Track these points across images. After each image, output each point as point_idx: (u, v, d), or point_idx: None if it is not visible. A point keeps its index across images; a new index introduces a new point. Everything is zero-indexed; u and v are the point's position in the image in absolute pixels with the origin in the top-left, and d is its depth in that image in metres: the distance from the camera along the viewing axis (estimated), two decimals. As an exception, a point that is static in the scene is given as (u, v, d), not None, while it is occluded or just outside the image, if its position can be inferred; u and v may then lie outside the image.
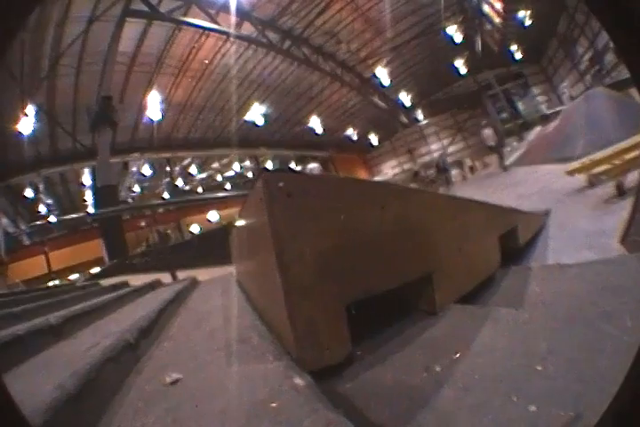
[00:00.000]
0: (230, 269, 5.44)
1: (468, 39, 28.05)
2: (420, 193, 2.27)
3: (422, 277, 1.70)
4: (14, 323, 2.61)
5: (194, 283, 5.44)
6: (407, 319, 1.72)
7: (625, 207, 3.59)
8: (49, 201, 29.34)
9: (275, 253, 1.28)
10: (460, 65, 31.31)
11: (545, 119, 24.99)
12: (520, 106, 34.02)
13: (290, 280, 1.28)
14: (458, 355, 1.25)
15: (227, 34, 20.67)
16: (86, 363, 1.40)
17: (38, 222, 20.93)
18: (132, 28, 19.19)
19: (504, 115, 32.23)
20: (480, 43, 29.14)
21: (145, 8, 17.92)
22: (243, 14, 20.25)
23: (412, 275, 1.68)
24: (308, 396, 1.06)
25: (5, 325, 2.52)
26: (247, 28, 21.45)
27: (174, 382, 1.52)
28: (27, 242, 26.33)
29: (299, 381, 1.16)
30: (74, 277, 24.33)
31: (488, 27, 28.66)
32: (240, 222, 2.60)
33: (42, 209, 28.79)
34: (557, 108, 24.27)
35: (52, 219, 27.00)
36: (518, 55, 31.75)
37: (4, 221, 23.95)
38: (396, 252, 1.65)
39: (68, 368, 1.34)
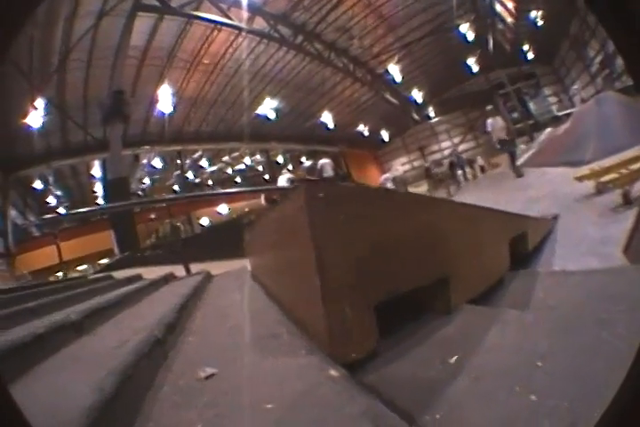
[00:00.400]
0: (241, 263, 5.46)
1: (480, 38, 27.96)
2: (441, 202, 2.45)
3: (441, 279, 1.84)
4: (30, 318, 2.63)
5: (208, 277, 5.39)
6: (423, 318, 1.85)
7: (630, 217, 3.71)
8: (58, 193, 29.55)
9: (314, 257, 1.41)
10: (473, 63, 31.21)
11: (556, 120, 24.93)
12: (531, 106, 33.90)
13: (327, 282, 1.40)
14: (469, 351, 1.40)
15: (239, 28, 20.70)
16: (120, 361, 1.40)
17: (48, 216, 21.11)
18: (143, 23, 19.18)
19: (515, 114, 32.10)
20: (492, 41, 29.05)
21: (156, 2, 18.04)
22: (254, 9, 20.29)
23: (432, 277, 1.82)
24: (344, 385, 1.17)
25: (22, 320, 2.53)
26: (259, 23, 21.46)
27: (209, 377, 1.52)
28: (35, 233, 26.46)
29: (334, 373, 1.26)
30: (82, 268, 24.55)
31: (500, 26, 28.57)
32: (266, 223, 2.73)
33: (51, 201, 29.00)
34: (568, 111, 24.21)
35: (62, 210, 27.19)
36: (530, 55, 31.63)
37: (13, 212, 24.09)
38: (419, 256, 1.79)
39: (100, 367, 1.33)
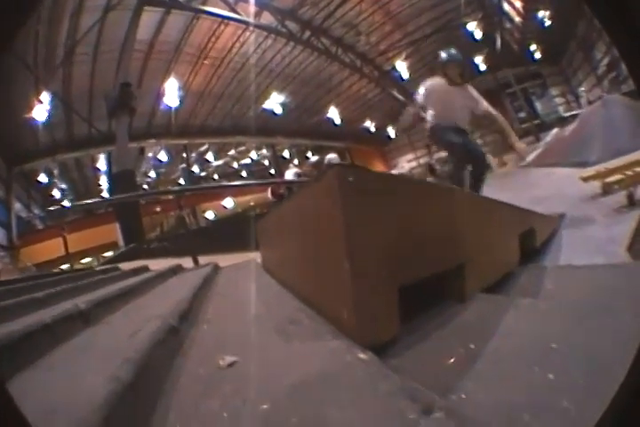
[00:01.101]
0: (250, 256, 5.48)
1: (487, 36, 28.01)
2: (461, 193, 2.48)
3: (457, 266, 1.90)
4: (38, 308, 2.58)
5: (216, 268, 5.32)
6: (439, 306, 1.90)
7: (633, 217, 3.80)
8: (63, 186, 29.68)
9: (345, 239, 1.44)
10: (480, 62, 31.23)
11: (562, 121, 24.96)
12: (538, 106, 33.95)
13: (356, 265, 1.43)
14: (488, 336, 1.48)
15: (246, 23, 20.77)
16: (135, 350, 1.36)
17: (52, 208, 21.10)
18: (149, 17, 19.36)
19: (522, 114, 32.16)
20: (500, 40, 29.10)
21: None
22: (262, 4, 20.42)
23: (450, 263, 1.89)
24: (375, 366, 1.20)
25: (29, 310, 2.49)
26: (267, 18, 21.54)
27: (231, 365, 1.47)
28: (39, 226, 26.59)
29: (362, 355, 1.27)
30: (86, 261, 24.65)
31: (508, 25, 28.61)
32: (285, 210, 2.75)
33: (56, 194, 29.13)
34: (575, 112, 24.26)
35: (66, 203, 27.29)
36: (538, 55, 31.67)
37: (17, 205, 24.23)
38: (438, 242, 1.85)
39: (114, 356, 1.30)
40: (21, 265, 21.68)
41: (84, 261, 24.76)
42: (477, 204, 2.48)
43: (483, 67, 31.43)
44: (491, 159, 25.03)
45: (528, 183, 10.29)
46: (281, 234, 3.05)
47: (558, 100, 33.73)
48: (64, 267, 21.98)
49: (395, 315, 1.55)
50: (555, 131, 21.91)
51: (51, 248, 21.92)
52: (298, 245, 2.39)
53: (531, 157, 16.59)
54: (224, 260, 6.16)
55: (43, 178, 27.12)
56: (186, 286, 3.06)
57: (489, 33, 27.96)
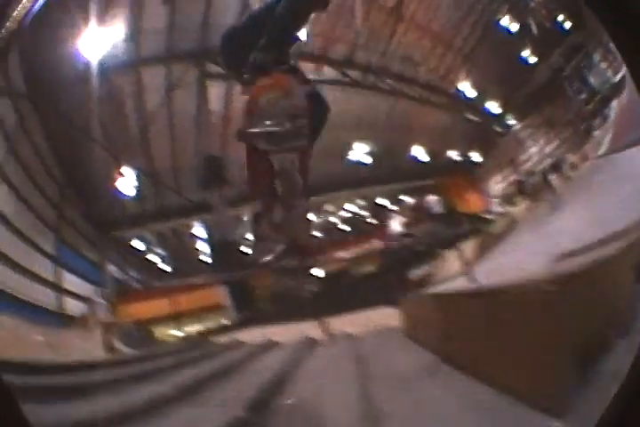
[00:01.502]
0: (374, 317, 4.96)
1: (523, 26, 27.94)
2: (603, 266, 2.71)
3: (607, 330, 2.19)
4: (184, 409, 2.41)
5: (354, 341, 4.77)
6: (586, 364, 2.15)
7: None
8: (159, 250, 30.61)
9: (552, 333, 1.84)
10: (528, 55, 30.85)
11: (616, 88, 24.24)
12: (592, 80, 32.95)
13: (550, 353, 1.81)
14: None
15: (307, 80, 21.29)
16: None
17: (154, 282, 21.74)
18: (216, 88, 20.13)
19: (583, 95, 31.31)
20: (534, 24, 28.87)
21: (221, 70, 19.12)
22: (318, 58, 21.17)
23: (603, 330, 2.20)
24: None
25: (172, 413, 2.35)
26: (327, 71, 22.42)
27: None
28: (137, 286, 27.20)
29: (557, 424, 1.63)
30: (191, 321, 24.64)
31: (532, 4, 28.46)
32: (466, 300, 3.10)
33: (153, 258, 30.04)
34: (622, 72, 23.51)
35: (166, 267, 27.89)
36: (567, 24, 30.96)
37: (112, 268, 24.77)
38: (598, 316, 2.14)
39: None
40: (120, 322, 21.48)
41: (189, 321, 24.72)
42: (613, 261, 2.67)
43: (533, 60, 30.94)
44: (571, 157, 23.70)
45: (620, 176, 9.84)
46: (459, 317, 3.27)
47: (603, 64, 32.46)
48: (167, 326, 21.84)
49: (569, 384, 1.93)
50: (614, 103, 21.67)
51: (150, 307, 21.95)
52: (474, 330, 2.73)
53: (606, 143, 16.03)
54: (349, 323, 5.68)
55: (137, 244, 28.09)
56: (341, 375, 2.92)
57: (522, 22, 27.83)
